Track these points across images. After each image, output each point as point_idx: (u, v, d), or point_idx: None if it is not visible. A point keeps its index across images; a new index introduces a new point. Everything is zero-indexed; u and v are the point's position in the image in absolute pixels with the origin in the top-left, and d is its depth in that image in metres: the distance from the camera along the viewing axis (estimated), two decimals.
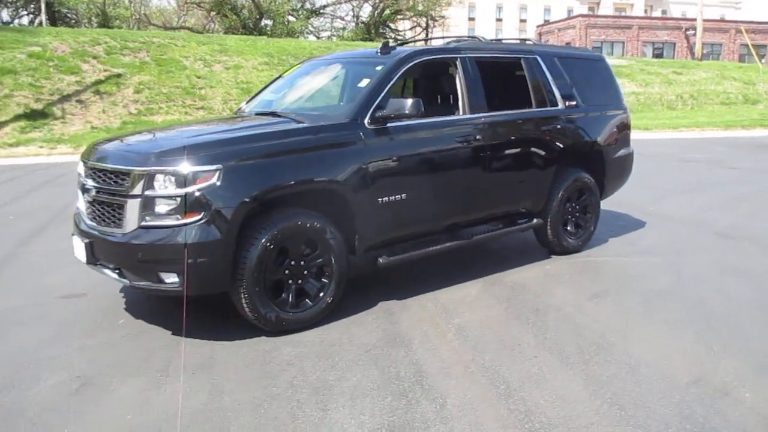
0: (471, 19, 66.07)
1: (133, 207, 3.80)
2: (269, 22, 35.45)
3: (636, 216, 7.50)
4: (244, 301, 3.92)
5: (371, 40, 34.63)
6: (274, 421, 3.09)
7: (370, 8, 35.56)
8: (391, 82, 4.64)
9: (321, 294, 4.22)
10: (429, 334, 4.13)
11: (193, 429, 3.03)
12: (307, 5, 35.59)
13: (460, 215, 5.07)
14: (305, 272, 4.18)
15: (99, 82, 18.69)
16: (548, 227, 5.69)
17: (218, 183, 3.75)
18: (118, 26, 36.83)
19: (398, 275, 5.35)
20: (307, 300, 4.20)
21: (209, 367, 3.69)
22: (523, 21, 67.25)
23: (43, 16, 31.65)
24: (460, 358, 3.77)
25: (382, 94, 4.51)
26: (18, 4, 32.42)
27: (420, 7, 35.15)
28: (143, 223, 3.78)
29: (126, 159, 3.94)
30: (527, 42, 6.12)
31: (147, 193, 3.76)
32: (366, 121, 4.39)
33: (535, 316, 4.43)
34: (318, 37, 37.55)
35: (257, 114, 5.09)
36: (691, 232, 6.78)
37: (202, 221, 3.72)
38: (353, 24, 36.64)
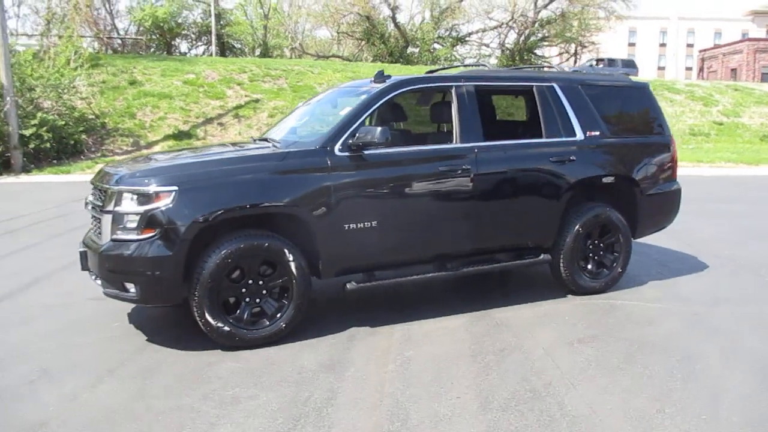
0: (631, 44, 62.60)
1: (107, 222, 4.23)
2: (416, 50, 36.40)
3: (703, 258, 6.78)
4: (196, 313, 4.19)
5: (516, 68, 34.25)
6: (163, 429, 3.28)
7: (515, 35, 35.21)
8: (369, 111, 4.71)
9: (278, 315, 4.37)
10: (371, 364, 4.10)
11: (89, 427, 3.31)
12: (453, 33, 36.06)
13: (446, 247, 4.96)
14: (264, 292, 4.36)
15: (239, 106, 20.43)
16: (561, 265, 5.36)
17: (173, 203, 4.06)
18: (280, 55, 39.82)
19: (388, 301, 5.39)
20: (264, 319, 4.37)
21: (152, 372, 3.99)
22: (690, 45, 62.33)
23: (213, 47, 35.19)
24: (380, 390, 3.72)
25: (358, 123, 4.59)
26: (193, 36, 36.36)
27: (568, 33, 34.10)
28: (113, 237, 4.19)
29: (108, 179, 4.40)
30: (550, 69, 5.85)
31: (116, 209, 4.17)
32: (337, 148, 4.50)
33: (494, 356, 4.22)
34: (465, 65, 37.82)
35: (258, 140, 5.39)
36: (754, 282, 6.00)
37: (156, 238, 4.05)
38: (499, 51, 36.47)
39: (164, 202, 4.06)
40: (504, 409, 3.48)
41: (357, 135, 4.50)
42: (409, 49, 35.68)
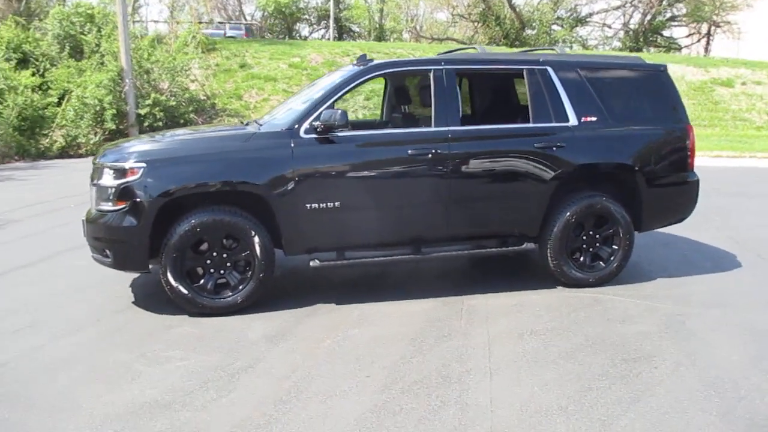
0: None
1: (93, 194, 4.70)
2: (532, 32, 35.29)
3: (742, 258, 6.20)
4: (162, 280, 4.55)
5: (639, 49, 32.15)
6: (89, 380, 3.66)
7: (640, 15, 32.94)
8: (339, 94, 4.80)
9: (240, 287, 4.64)
10: (310, 339, 4.25)
11: (33, 373, 3.75)
12: (573, 14, 34.47)
13: (419, 231, 4.95)
14: (228, 264, 4.64)
15: None
16: (549, 255, 5.17)
17: (141, 178, 4.42)
18: (398, 38, 40.19)
19: (367, 281, 5.54)
20: (228, 290, 4.65)
21: (115, 331, 4.41)
22: None
23: (331, 31, 36.26)
24: (300, 363, 3.87)
25: (325, 105, 4.71)
26: (313, 20, 37.69)
27: (700, 13, 31.20)
28: (97, 208, 4.65)
29: (99, 155, 4.86)
30: (552, 51, 5.59)
31: (99, 182, 4.62)
32: (303, 130, 4.66)
33: (434, 340, 4.22)
34: (585, 47, 36.12)
35: (249, 122, 5.64)
36: None
37: (125, 209, 4.44)
38: (622, 32, 34.36)
39: (134, 178, 4.44)
40: (404, 391, 3.51)
41: (322, 118, 4.62)
42: (526, 31, 34.61)
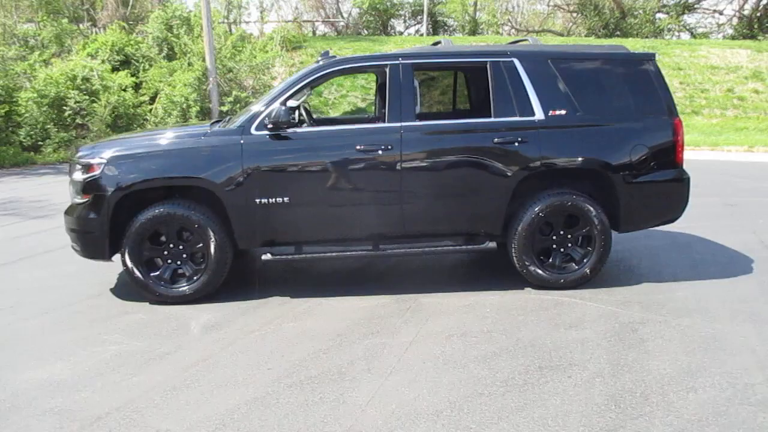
0: None
1: (70, 188, 5.08)
2: (635, 21, 33.30)
3: (760, 264, 5.62)
4: (125, 269, 4.85)
5: (753, 37, 29.46)
6: (23, 356, 3.99)
7: None
8: (292, 91, 4.85)
9: (195, 278, 4.85)
10: (242, 330, 4.36)
11: None
12: (681, 0, 32.10)
13: (374, 227, 4.92)
14: (184, 255, 4.87)
15: None
16: (513, 255, 4.98)
17: (102, 173, 4.74)
18: (496, 31, 39.40)
19: (333, 276, 5.58)
20: (183, 280, 4.88)
21: (78, 315, 4.76)
22: None
23: (425, 26, 36.21)
24: (215, 353, 3.99)
25: (278, 102, 4.79)
26: (407, 15, 37.85)
27: None
28: (72, 201, 5.03)
29: (76, 152, 5.23)
30: (523, 42, 5.31)
31: (71, 177, 4.99)
32: (253, 127, 4.78)
33: (358, 336, 4.20)
34: (694, 36, 33.58)
35: (223, 119, 5.82)
36: None
37: (88, 202, 4.77)
38: (735, 18, 31.53)
39: (95, 173, 4.76)
40: (291, 385, 3.55)
41: (271, 115, 4.72)
42: (627, 20, 32.69)
